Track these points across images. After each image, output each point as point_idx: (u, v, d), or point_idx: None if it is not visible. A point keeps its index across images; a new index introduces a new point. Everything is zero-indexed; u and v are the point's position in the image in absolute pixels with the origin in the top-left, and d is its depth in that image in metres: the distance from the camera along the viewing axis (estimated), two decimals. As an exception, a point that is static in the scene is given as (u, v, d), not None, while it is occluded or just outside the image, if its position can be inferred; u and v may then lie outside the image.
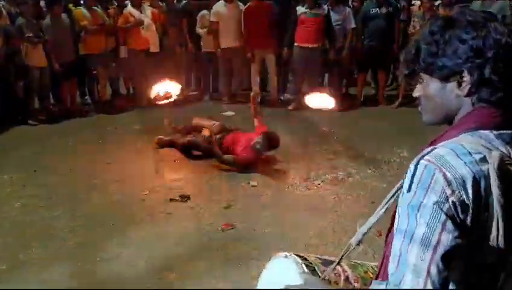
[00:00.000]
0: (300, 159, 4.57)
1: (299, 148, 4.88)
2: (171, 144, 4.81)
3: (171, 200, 3.69)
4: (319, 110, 6.18)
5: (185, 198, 3.71)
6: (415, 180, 0.94)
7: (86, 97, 6.88)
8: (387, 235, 1.11)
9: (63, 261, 2.86)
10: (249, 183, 4.01)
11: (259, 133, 4.35)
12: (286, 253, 1.42)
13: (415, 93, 1.10)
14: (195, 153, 4.63)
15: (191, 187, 3.97)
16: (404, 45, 6.24)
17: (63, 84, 6.24)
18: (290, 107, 6.41)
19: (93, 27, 6.19)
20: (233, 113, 6.05)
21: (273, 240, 3.03)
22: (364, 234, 1.13)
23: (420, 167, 0.95)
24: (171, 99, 6.25)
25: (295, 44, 6.29)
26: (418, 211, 0.92)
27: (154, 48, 6.59)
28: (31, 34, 5.70)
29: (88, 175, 4.21)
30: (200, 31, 6.76)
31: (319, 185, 3.96)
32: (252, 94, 4.84)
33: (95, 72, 6.55)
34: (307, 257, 1.40)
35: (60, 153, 4.83)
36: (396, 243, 0.95)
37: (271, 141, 4.31)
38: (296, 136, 5.20)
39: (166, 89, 6.20)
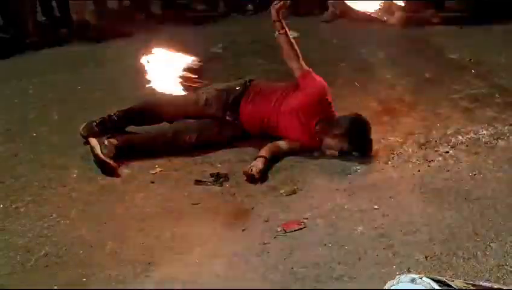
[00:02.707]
0: (411, 109, 4.54)
1: (408, 90, 4.86)
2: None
3: (197, 182, 3.71)
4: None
5: (219, 179, 3.73)
6: None
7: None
8: None
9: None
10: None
11: (303, 83, 4.03)
12: (413, 275, 1.38)
13: None
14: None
15: (230, 161, 3.98)
16: None
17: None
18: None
19: None
20: (298, 34, 6.00)
21: (371, 248, 2.97)
22: None
23: None
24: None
25: None
26: None
27: None
28: None
29: (56, 144, 4.25)
30: None
31: (446, 154, 3.90)
32: None
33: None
34: (450, 283, 1.36)
35: (12, 112, 4.91)
36: None
37: (362, 143, 3.94)
38: (402, 68, 5.23)
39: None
